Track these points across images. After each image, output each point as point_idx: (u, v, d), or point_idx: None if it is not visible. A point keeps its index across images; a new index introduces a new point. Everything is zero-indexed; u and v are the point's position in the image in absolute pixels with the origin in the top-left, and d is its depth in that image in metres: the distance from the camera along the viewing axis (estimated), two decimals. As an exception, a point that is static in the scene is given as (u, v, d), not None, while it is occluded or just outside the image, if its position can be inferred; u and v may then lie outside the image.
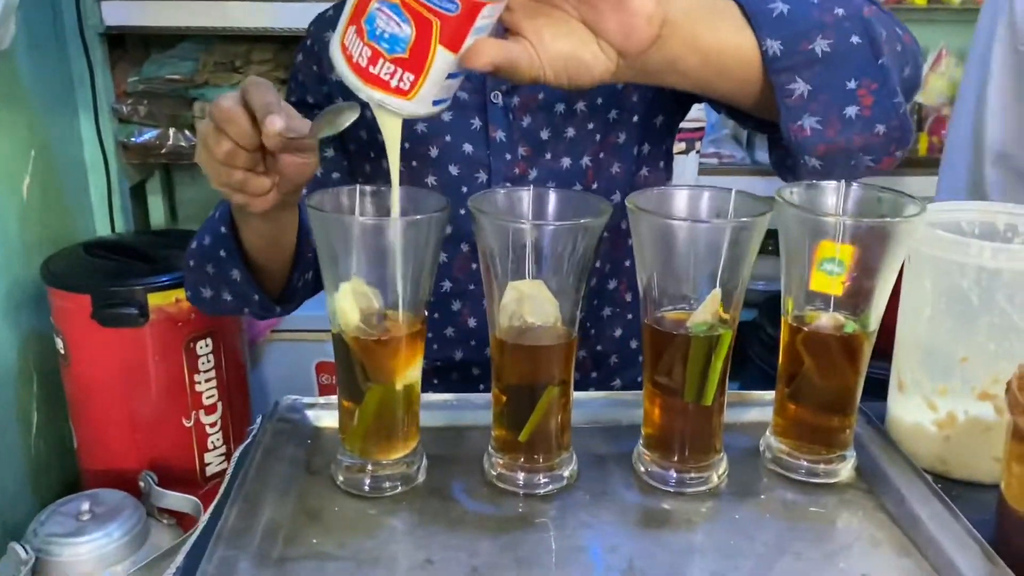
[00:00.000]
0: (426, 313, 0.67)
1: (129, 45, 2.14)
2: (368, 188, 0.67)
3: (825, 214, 0.68)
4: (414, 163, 0.97)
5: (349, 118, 0.67)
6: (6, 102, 1.74)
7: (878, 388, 0.80)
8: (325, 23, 1.02)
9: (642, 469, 0.70)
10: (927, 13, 2.34)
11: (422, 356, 0.68)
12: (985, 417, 0.71)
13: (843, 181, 0.70)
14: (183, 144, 2.03)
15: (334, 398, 0.72)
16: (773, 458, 0.72)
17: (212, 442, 1.77)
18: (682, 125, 1.07)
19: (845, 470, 0.71)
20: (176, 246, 1.76)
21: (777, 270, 0.70)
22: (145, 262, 1.73)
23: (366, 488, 0.68)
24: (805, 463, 0.71)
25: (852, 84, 0.70)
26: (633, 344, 1.06)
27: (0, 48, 1.53)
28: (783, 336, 0.71)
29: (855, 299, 0.67)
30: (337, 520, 0.65)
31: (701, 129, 2.12)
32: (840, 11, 0.70)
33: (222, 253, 0.89)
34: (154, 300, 1.66)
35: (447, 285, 1.00)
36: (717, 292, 0.65)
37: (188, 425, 1.74)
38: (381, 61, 0.59)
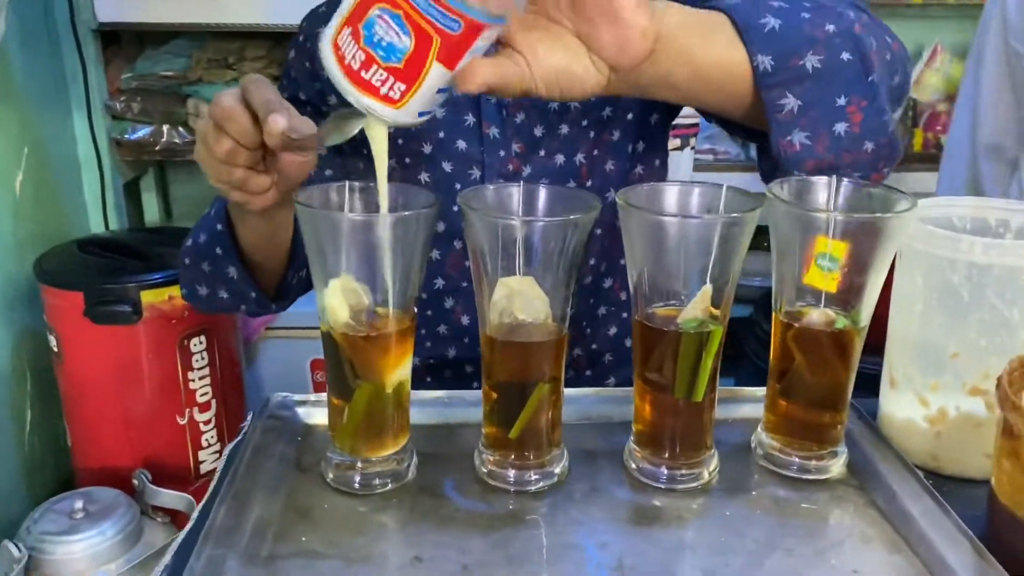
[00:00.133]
0: (416, 310, 0.67)
1: (123, 42, 2.13)
2: (357, 184, 0.67)
3: (816, 210, 0.68)
4: (407, 160, 0.96)
5: (357, 125, 0.66)
6: (-2, 99, 1.74)
7: (870, 384, 0.80)
8: (318, 19, 1.01)
9: (633, 466, 0.70)
10: (922, 9, 2.34)
11: (412, 353, 0.68)
12: (976, 413, 0.71)
13: (834, 177, 0.69)
14: (177, 141, 2.02)
15: (324, 395, 0.71)
16: (764, 454, 0.72)
17: (206, 440, 1.77)
18: (677, 121, 1.07)
19: (836, 466, 0.71)
20: (170, 243, 1.75)
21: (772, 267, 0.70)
22: (139, 259, 1.73)
23: (356, 485, 0.68)
24: (796, 459, 0.71)
25: (842, 100, 0.71)
26: (627, 343, 1.06)
27: (-8, 45, 1.52)
28: (774, 332, 0.71)
29: (846, 295, 0.67)
30: (327, 518, 0.65)
31: (696, 125, 2.11)
32: (831, 27, 0.70)
33: (218, 251, 0.89)
34: (147, 297, 1.65)
35: (440, 282, 1.00)
36: (708, 288, 0.65)
37: (182, 423, 1.73)
38: (375, 67, 0.59)
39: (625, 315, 1.04)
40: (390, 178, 0.67)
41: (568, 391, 0.72)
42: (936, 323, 0.71)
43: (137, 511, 1.54)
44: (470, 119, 0.94)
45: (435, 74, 0.59)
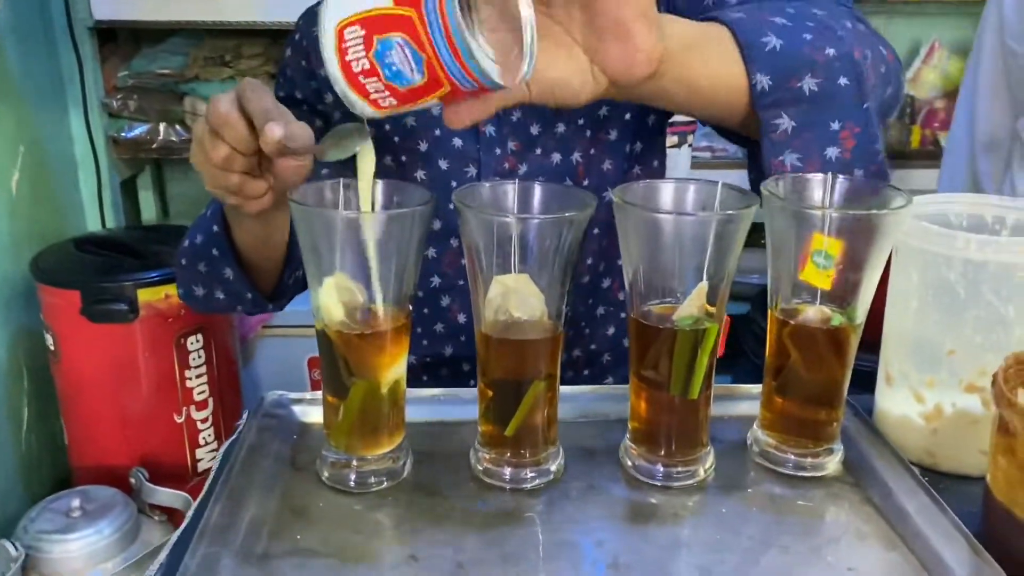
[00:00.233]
0: (410, 308, 0.67)
1: (119, 39, 2.13)
2: (351, 182, 0.67)
3: (811, 207, 0.68)
4: (403, 158, 0.96)
5: (359, 142, 0.66)
6: (-6, 97, 1.74)
7: (866, 381, 0.80)
8: (314, 17, 1.01)
9: (629, 463, 0.70)
10: (919, 6, 2.34)
11: (407, 351, 0.68)
12: (972, 410, 0.71)
13: (829, 173, 0.69)
14: (174, 139, 2.02)
15: (320, 393, 0.71)
16: (760, 452, 0.72)
17: (203, 438, 1.77)
18: (675, 119, 1.07)
19: (832, 463, 0.71)
20: (167, 242, 1.75)
21: (770, 264, 0.70)
22: (135, 258, 1.73)
23: (351, 484, 0.67)
24: (792, 456, 0.70)
25: (836, 125, 0.71)
26: (626, 343, 1.06)
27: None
28: (770, 329, 0.71)
29: (842, 292, 0.67)
30: (322, 516, 0.65)
31: (694, 123, 2.11)
32: (831, 51, 0.70)
33: (214, 252, 0.89)
34: (144, 296, 1.65)
35: (436, 281, 1.00)
36: (703, 285, 0.65)
37: (179, 421, 1.73)
38: (375, 80, 0.57)
39: (623, 315, 1.04)
40: (387, 175, 0.66)
41: (564, 389, 0.72)
42: (932, 320, 0.71)
43: (134, 509, 1.54)
44: (466, 117, 0.94)
45: (429, 105, 0.59)
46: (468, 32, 0.54)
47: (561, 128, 0.94)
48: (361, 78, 0.58)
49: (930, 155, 2.19)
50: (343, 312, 0.65)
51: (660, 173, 1.05)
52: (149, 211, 2.31)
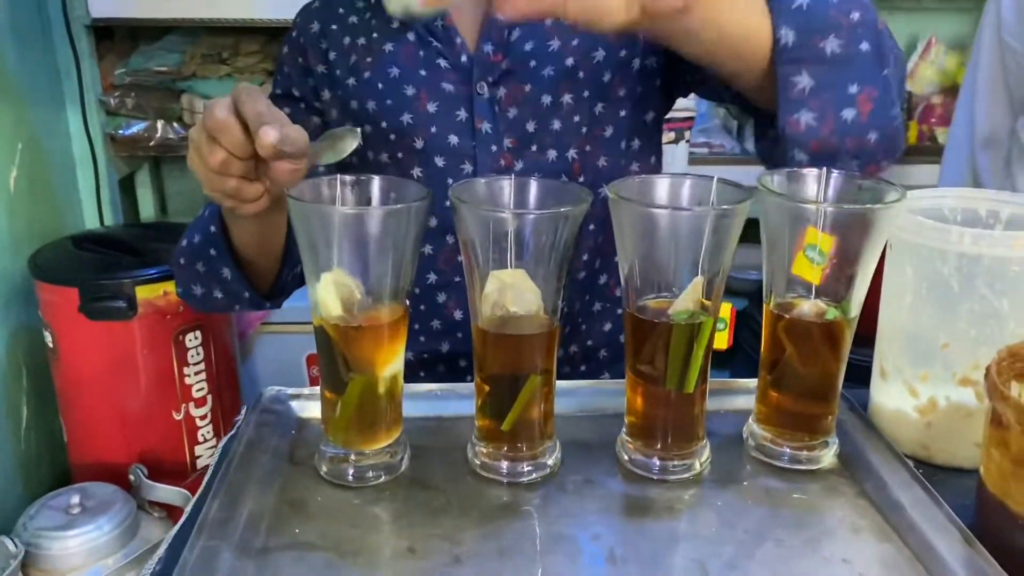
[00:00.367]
0: (408, 303, 0.67)
1: (116, 37, 2.13)
2: (348, 177, 0.67)
3: (806, 201, 0.68)
4: (400, 155, 0.97)
5: (351, 144, 0.67)
6: (-8, 95, 1.74)
7: (862, 375, 0.80)
8: (311, 14, 1.01)
9: (625, 457, 0.71)
10: (917, 2, 2.34)
11: (404, 346, 0.68)
12: (966, 403, 0.72)
13: (824, 169, 0.70)
14: (172, 137, 2.02)
15: (318, 389, 0.72)
16: (756, 445, 0.72)
17: (202, 435, 1.77)
18: (672, 115, 1.07)
19: (827, 457, 0.71)
20: (165, 239, 1.75)
21: (767, 260, 0.70)
22: (134, 255, 1.73)
23: (349, 478, 0.68)
24: (788, 450, 0.71)
25: (854, 89, 0.72)
26: (622, 339, 1.06)
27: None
28: (765, 323, 0.71)
29: (836, 286, 0.67)
30: (320, 510, 0.65)
31: (691, 119, 2.11)
32: (856, 16, 0.72)
33: (212, 252, 0.89)
34: (142, 293, 1.65)
35: (432, 277, 1.00)
36: (699, 280, 0.65)
37: (178, 418, 1.73)
38: None
39: (619, 311, 1.04)
40: (384, 173, 0.66)
41: (561, 383, 0.72)
42: (926, 314, 0.71)
43: (133, 506, 1.55)
44: (462, 114, 0.94)
45: None
46: None
47: (557, 125, 0.94)
48: None
49: (927, 151, 2.20)
50: (340, 307, 0.65)
51: (657, 170, 1.05)
52: (147, 208, 2.31)
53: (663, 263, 0.65)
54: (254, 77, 2.01)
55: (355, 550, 0.61)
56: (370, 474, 0.68)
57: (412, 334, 1.03)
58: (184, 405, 1.74)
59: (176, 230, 1.83)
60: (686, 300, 0.66)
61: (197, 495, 0.67)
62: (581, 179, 0.96)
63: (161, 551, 0.61)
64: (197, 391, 1.75)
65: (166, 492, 1.60)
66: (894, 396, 0.75)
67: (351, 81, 0.97)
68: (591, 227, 0.98)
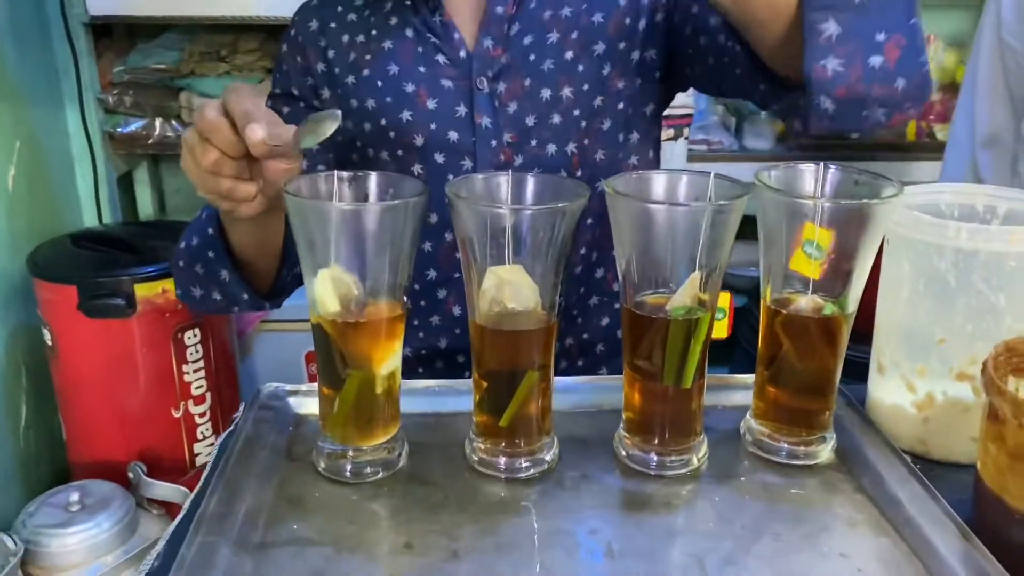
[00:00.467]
0: (405, 299, 0.67)
1: (114, 35, 2.12)
2: (345, 174, 0.67)
3: (803, 196, 0.68)
4: (400, 152, 0.97)
5: (331, 126, 0.67)
6: (-10, 93, 1.74)
7: (860, 371, 0.80)
8: (310, 12, 1.01)
9: (623, 453, 0.71)
10: (915, -1, 2.33)
11: (402, 342, 0.68)
12: (963, 398, 0.72)
13: (821, 164, 0.70)
14: (170, 134, 2.02)
15: (316, 385, 0.72)
16: (754, 441, 0.72)
17: (201, 432, 1.77)
18: (671, 112, 1.07)
19: (825, 452, 0.71)
20: (164, 237, 1.75)
21: (765, 256, 0.70)
22: (132, 253, 1.72)
23: (347, 474, 0.68)
24: (785, 445, 0.71)
25: (881, 36, 0.71)
26: (619, 333, 1.06)
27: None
28: (762, 319, 0.71)
29: (833, 281, 0.67)
30: (318, 506, 0.65)
31: (689, 116, 2.11)
32: None
33: (210, 254, 0.90)
34: (141, 291, 1.65)
35: (432, 274, 1.00)
36: (696, 275, 0.65)
37: (177, 416, 1.73)
38: None
39: (617, 305, 1.05)
40: (384, 170, 0.66)
41: (558, 379, 0.72)
42: (923, 309, 0.71)
43: (132, 504, 1.55)
44: (462, 110, 0.94)
45: None
46: None
47: (557, 119, 0.94)
48: None
49: (926, 148, 2.20)
50: (338, 304, 0.65)
51: (655, 164, 1.05)
52: (146, 206, 2.31)
53: (660, 259, 0.65)
54: (252, 75, 2.01)
55: (353, 546, 0.61)
56: (368, 470, 0.68)
57: (411, 330, 1.03)
58: (183, 403, 1.74)
59: (175, 228, 1.83)
60: (683, 296, 0.66)
61: (195, 491, 0.67)
62: (580, 173, 0.96)
63: (159, 547, 0.61)
64: (196, 389, 1.75)
65: (165, 490, 1.60)
66: (891, 391, 0.76)
67: (350, 79, 0.97)
68: (588, 221, 0.98)
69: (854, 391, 0.79)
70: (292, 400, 0.78)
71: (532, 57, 0.93)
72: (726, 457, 0.72)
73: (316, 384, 0.71)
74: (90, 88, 1.98)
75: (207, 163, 0.71)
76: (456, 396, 0.78)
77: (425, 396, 0.79)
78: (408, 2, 0.96)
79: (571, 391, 0.79)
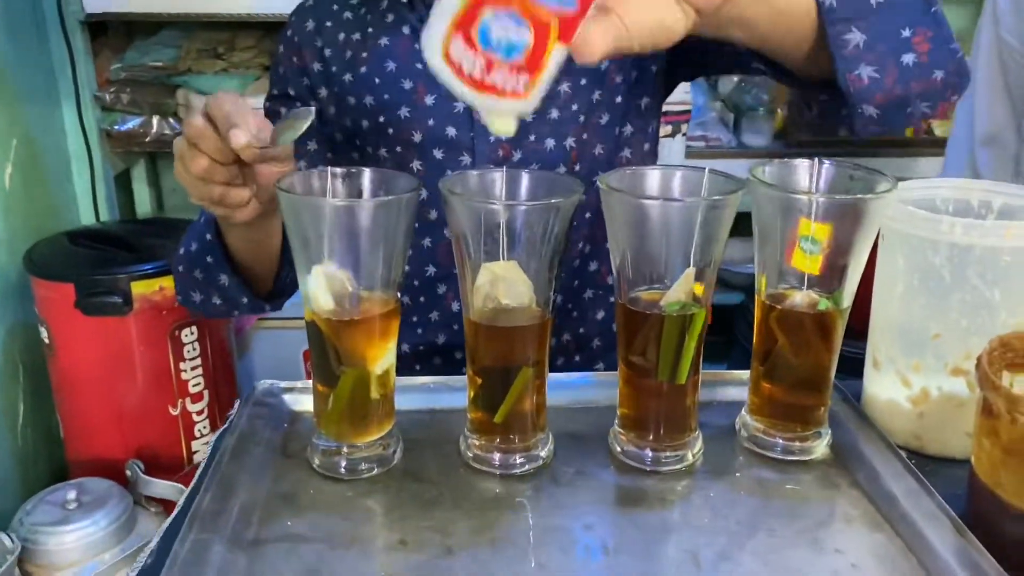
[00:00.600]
0: (399, 295, 0.67)
1: (111, 32, 2.12)
2: (339, 170, 0.67)
3: (797, 192, 0.68)
4: (398, 149, 0.96)
5: (305, 122, 0.67)
6: (-14, 91, 1.73)
7: (856, 368, 0.80)
8: (305, 12, 1.01)
9: (618, 448, 0.71)
10: (913, -6, 2.33)
11: (396, 339, 0.68)
12: (958, 393, 0.72)
13: (816, 159, 0.70)
14: (167, 132, 2.01)
15: (311, 382, 0.71)
16: (749, 436, 0.72)
17: (199, 430, 1.77)
18: (669, 108, 1.07)
19: (820, 447, 0.71)
20: (161, 235, 1.75)
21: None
22: (129, 251, 1.72)
23: (342, 471, 0.68)
24: (780, 441, 0.71)
25: (907, 32, 0.71)
26: (615, 327, 1.06)
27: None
28: (757, 315, 0.71)
29: (828, 277, 0.67)
30: (312, 502, 0.65)
31: (688, 112, 2.11)
32: None
33: (209, 259, 0.90)
34: (138, 289, 1.65)
35: (431, 270, 1.00)
36: (690, 271, 0.65)
37: (174, 413, 1.73)
38: (496, 69, 0.57)
39: (612, 300, 1.04)
40: (383, 167, 0.66)
41: (553, 375, 0.72)
42: (918, 304, 0.71)
43: (130, 501, 1.55)
44: (460, 106, 0.94)
45: (555, 55, 0.57)
46: None
47: (555, 114, 0.94)
48: (486, 79, 0.57)
49: (925, 143, 2.20)
50: (332, 300, 0.65)
51: (651, 159, 1.05)
52: (143, 204, 2.30)
53: (655, 254, 0.65)
54: (249, 72, 2.01)
55: (347, 542, 0.61)
56: (362, 467, 0.68)
57: (410, 326, 1.03)
58: (180, 400, 1.74)
59: (172, 225, 1.83)
60: (678, 291, 0.66)
61: (190, 487, 0.67)
62: (578, 167, 0.96)
63: (154, 543, 0.61)
64: (193, 386, 1.75)
65: (163, 487, 1.60)
66: (887, 386, 0.76)
67: (347, 77, 0.97)
68: (587, 215, 0.98)
69: (849, 386, 0.79)
70: (287, 397, 0.78)
71: None
72: (721, 453, 0.72)
73: (311, 381, 0.71)
74: (87, 86, 1.98)
75: (197, 170, 0.72)
76: (451, 392, 0.78)
77: (420, 392, 0.79)
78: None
79: (566, 387, 0.79)
